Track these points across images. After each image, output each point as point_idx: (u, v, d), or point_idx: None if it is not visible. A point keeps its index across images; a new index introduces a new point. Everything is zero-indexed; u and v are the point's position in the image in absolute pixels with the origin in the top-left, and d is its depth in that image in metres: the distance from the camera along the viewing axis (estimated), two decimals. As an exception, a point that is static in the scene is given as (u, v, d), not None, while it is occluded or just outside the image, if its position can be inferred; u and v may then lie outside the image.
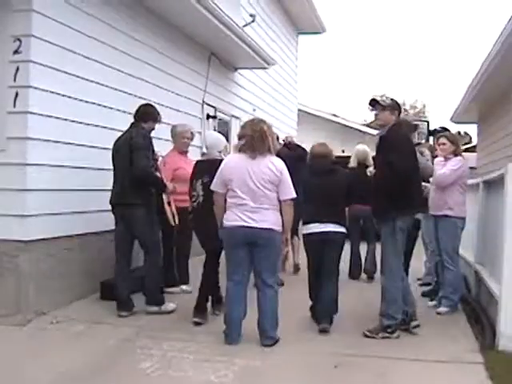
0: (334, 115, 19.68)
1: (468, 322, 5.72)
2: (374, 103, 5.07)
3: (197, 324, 5.38)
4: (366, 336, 5.05)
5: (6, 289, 5.28)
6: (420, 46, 73.08)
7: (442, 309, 6.04)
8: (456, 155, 6.14)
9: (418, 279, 7.55)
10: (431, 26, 72.83)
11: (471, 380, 4.26)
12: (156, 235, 5.95)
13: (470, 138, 24.56)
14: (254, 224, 4.76)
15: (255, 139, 4.82)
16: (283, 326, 5.01)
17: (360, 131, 16.43)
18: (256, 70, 11.44)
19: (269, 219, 4.80)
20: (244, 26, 9.99)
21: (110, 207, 5.86)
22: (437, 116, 50.22)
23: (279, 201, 4.88)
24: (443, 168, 6.08)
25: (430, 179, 6.21)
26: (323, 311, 5.39)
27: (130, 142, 5.61)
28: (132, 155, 5.57)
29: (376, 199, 5.15)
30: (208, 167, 5.43)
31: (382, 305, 5.10)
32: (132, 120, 5.89)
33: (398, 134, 4.98)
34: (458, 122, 15.94)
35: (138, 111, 5.90)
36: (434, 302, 6.27)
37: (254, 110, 11.99)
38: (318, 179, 5.74)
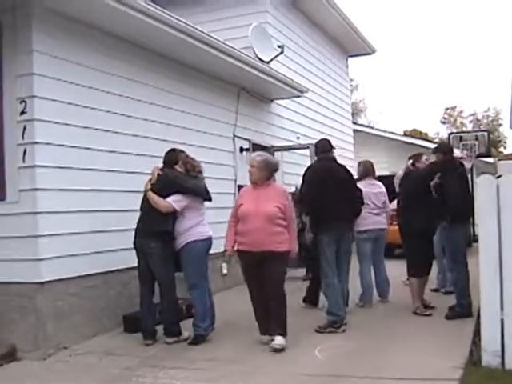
0: (393, 133, 19.78)
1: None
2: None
3: None
4: (317, 331, 6.13)
5: (28, 327, 5.78)
6: (488, 52, 70.62)
7: None
8: None
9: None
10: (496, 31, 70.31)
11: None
12: (171, 272, 6.21)
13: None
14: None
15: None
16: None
17: (422, 147, 16.25)
18: (297, 98, 11.67)
19: None
20: (271, 59, 10.30)
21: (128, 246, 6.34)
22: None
23: None
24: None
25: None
26: None
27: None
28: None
29: None
30: None
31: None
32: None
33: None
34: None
35: (164, 158, 6.39)
36: None
37: (298, 137, 12.16)
38: None
